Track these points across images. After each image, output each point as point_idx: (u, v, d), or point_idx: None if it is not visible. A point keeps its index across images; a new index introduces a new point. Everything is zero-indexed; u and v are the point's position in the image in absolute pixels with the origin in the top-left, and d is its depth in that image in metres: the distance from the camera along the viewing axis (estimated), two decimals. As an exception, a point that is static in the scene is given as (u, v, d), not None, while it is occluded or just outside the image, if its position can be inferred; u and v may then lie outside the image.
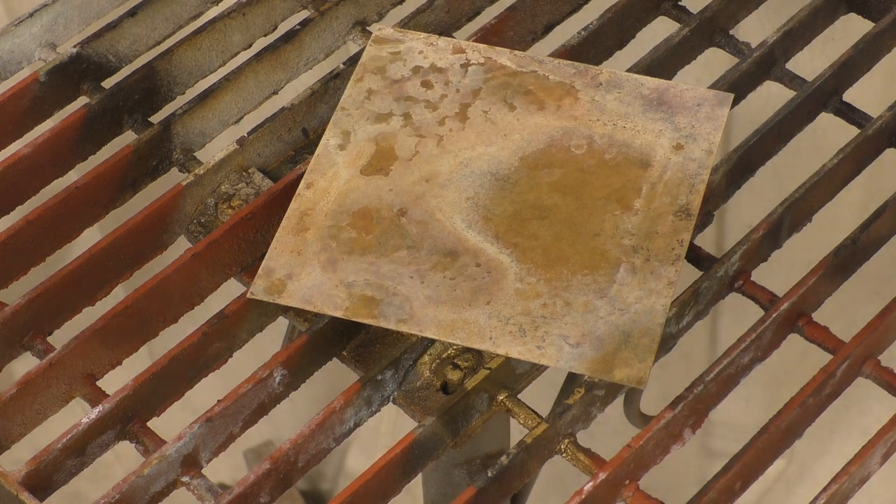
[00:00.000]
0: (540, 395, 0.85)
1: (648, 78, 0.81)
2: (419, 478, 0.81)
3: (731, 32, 0.88)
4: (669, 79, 0.85)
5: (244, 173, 0.82)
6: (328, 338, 0.74)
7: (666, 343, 0.74)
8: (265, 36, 0.88)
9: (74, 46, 0.84)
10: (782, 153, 0.83)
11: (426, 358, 0.74)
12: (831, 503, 0.71)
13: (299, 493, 1.63)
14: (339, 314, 0.72)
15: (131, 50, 0.86)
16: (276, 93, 0.86)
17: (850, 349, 0.74)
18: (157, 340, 0.78)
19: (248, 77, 0.84)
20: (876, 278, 1.02)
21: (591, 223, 0.75)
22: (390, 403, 0.74)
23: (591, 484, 0.68)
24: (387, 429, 1.63)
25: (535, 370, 0.74)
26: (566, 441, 0.72)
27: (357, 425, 0.73)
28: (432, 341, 0.74)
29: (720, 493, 0.71)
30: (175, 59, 0.84)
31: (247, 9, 0.86)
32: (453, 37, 0.87)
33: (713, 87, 0.82)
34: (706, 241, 0.78)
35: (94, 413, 0.71)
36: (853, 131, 0.83)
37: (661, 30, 0.89)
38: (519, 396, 0.74)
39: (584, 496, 0.68)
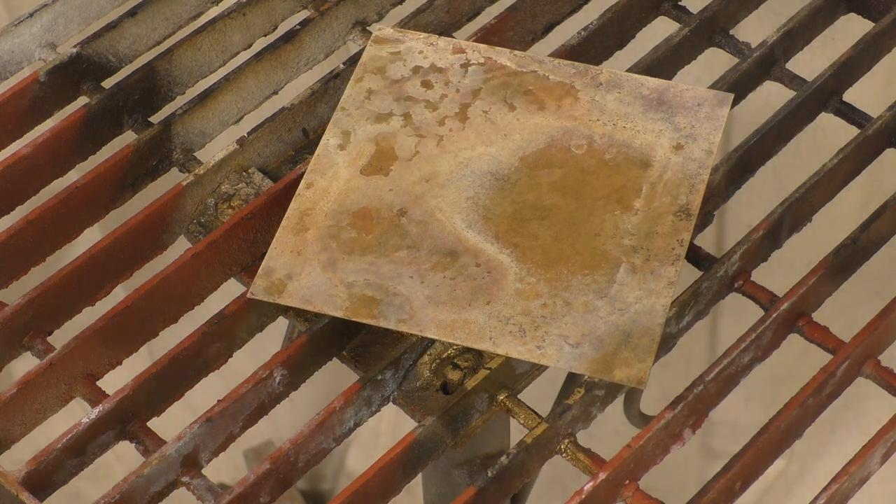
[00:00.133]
0: (540, 395, 0.85)
1: (648, 78, 0.81)
2: (419, 478, 0.81)
3: (731, 32, 0.88)
4: (669, 79, 0.85)
5: (244, 173, 0.82)
6: (328, 338, 0.74)
7: (666, 343, 0.74)
8: (265, 36, 0.88)
9: (74, 46, 0.84)
10: (782, 153, 0.83)
11: (426, 358, 0.74)
12: (831, 503, 0.71)
13: (299, 493, 1.63)
14: (339, 314, 0.72)
15: (131, 50, 0.86)
16: (276, 93, 0.86)
17: (850, 349, 0.74)
18: (157, 340, 0.78)
19: (248, 77, 0.84)
20: (876, 278, 1.02)
21: (591, 223, 0.75)
22: (390, 403, 0.74)
23: (591, 484, 0.68)
24: (387, 429, 1.63)
25: (535, 370, 0.74)
26: (566, 441, 0.72)
27: (357, 425, 0.73)
28: (432, 341, 0.74)
29: (720, 493, 0.71)
30: (175, 59, 0.84)
31: (247, 9, 0.86)
32: (453, 37, 0.87)
33: (713, 87, 0.82)
34: (706, 241, 0.78)
35: (94, 413, 0.71)
36: (853, 131, 0.83)
37: (661, 30, 0.89)
38: (519, 396, 0.74)
39: (584, 496, 0.68)
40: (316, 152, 0.79)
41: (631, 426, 0.82)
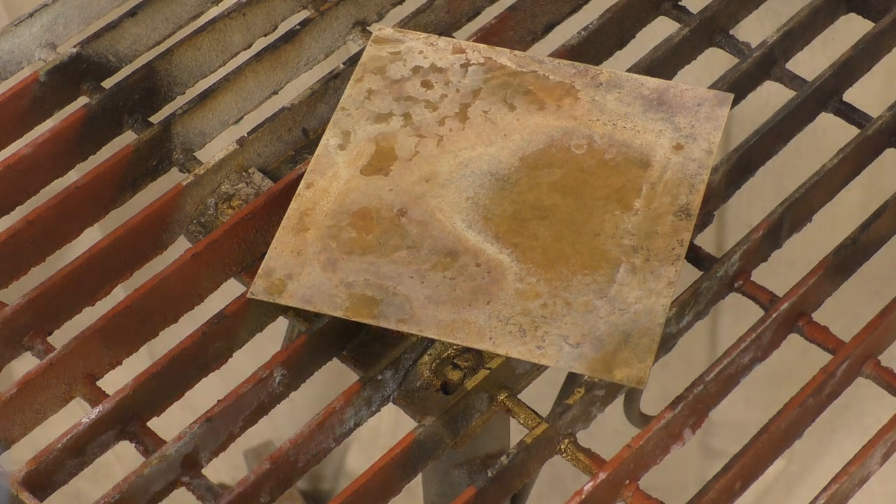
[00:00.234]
0: (540, 395, 0.85)
1: (648, 78, 0.81)
2: (419, 478, 0.81)
3: (731, 32, 0.88)
4: (669, 79, 0.85)
5: (244, 173, 0.82)
6: (328, 338, 0.74)
7: (666, 343, 0.74)
8: (265, 36, 0.88)
9: (74, 46, 0.84)
10: (782, 153, 0.83)
11: (426, 358, 0.74)
12: (831, 503, 0.71)
13: (299, 493, 1.63)
14: (339, 314, 0.72)
15: (131, 50, 0.86)
16: (276, 93, 0.86)
17: (850, 349, 0.74)
18: (157, 340, 0.78)
19: (248, 77, 0.84)
20: (876, 278, 1.02)
21: (591, 223, 0.75)
22: (390, 403, 0.74)
23: (591, 484, 0.68)
24: (387, 429, 1.63)
25: (535, 370, 0.74)
26: (566, 441, 0.72)
27: (357, 425, 0.73)
28: (432, 341, 0.74)
29: (720, 493, 0.71)
30: (175, 59, 0.84)
31: (247, 9, 0.86)
32: (453, 37, 0.87)
33: (713, 87, 0.82)
34: (706, 241, 0.78)
35: (94, 413, 0.71)
36: (853, 131, 0.83)
37: (661, 30, 0.89)
38: (519, 396, 0.74)
39: (584, 496, 0.68)
40: (316, 152, 0.79)
41: (631, 426, 0.82)
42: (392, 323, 0.71)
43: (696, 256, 0.77)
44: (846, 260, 0.77)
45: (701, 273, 0.76)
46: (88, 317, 0.76)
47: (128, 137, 0.83)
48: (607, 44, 0.87)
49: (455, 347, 0.74)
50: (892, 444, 0.73)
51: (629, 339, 0.71)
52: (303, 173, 0.78)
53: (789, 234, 0.80)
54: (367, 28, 0.88)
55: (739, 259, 0.76)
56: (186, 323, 0.78)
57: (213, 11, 0.88)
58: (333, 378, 0.95)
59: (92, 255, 0.76)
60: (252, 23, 0.87)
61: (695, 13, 0.87)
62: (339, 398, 0.71)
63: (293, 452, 0.70)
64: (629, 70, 0.82)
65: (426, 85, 0.81)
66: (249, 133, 0.81)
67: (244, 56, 0.86)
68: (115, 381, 0.76)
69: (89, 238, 0.80)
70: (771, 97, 0.93)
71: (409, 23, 0.86)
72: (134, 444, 0.72)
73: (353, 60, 0.84)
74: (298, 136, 0.84)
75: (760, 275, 0.78)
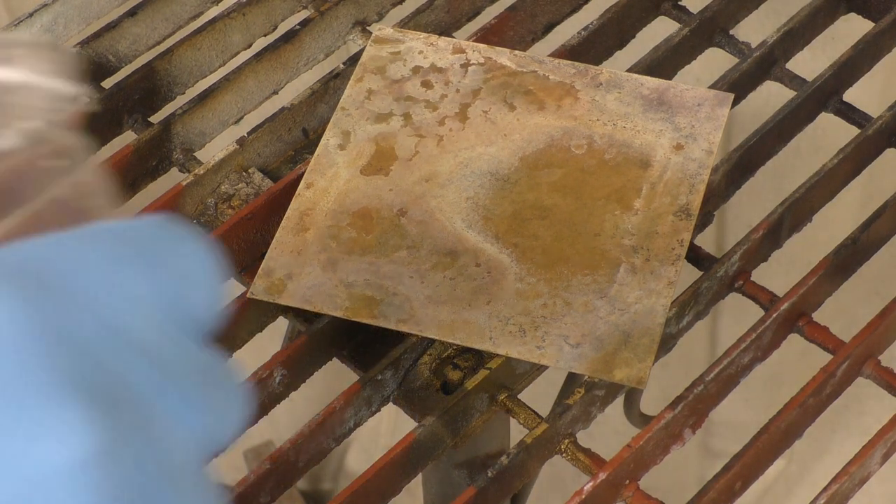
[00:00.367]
0: (540, 395, 0.85)
1: (648, 78, 0.81)
2: (419, 478, 0.81)
3: (731, 32, 0.88)
4: (669, 79, 0.85)
5: (244, 173, 0.82)
6: (328, 338, 0.74)
7: (666, 343, 0.74)
8: (265, 36, 0.88)
9: (74, 46, 0.84)
10: (782, 153, 0.83)
11: (426, 358, 0.74)
12: (831, 503, 0.71)
13: (299, 493, 1.63)
14: (339, 314, 0.72)
15: (131, 50, 0.86)
16: (276, 93, 0.86)
17: (850, 349, 0.74)
18: (158, 340, 0.77)
19: (248, 77, 0.84)
20: (876, 278, 1.02)
21: (591, 223, 0.75)
22: (390, 403, 0.74)
23: (591, 484, 0.68)
24: (387, 429, 1.63)
25: (535, 370, 0.74)
26: (566, 441, 0.72)
27: (357, 425, 0.73)
28: (432, 341, 0.74)
29: (720, 493, 0.71)
30: (175, 59, 0.84)
31: (247, 9, 0.86)
32: (453, 37, 0.87)
33: (713, 87, 0.82)
34: (706, 241, 0.78)
35: (94, 413, 0.71)
36: (853, 131, 0.83)
37: (661, 30, 0.89)
38: (519, 396, 0.74)
39: (584, 496, 0.68)
40: (316, 152, 0.79)
41: (631, 426, 0.82)
42: (392, 323, 0.71)
43: (696, 256, 0.77)
44: (846, 260, 0.77)
45: (701, 273, 0.76)
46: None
47: (128, 137, 0.83)
48: (607, 44, 0.87)
49: (455, 347, 0.74)
50: (892, 444, 0.73)
51: (629, 339, 0.71)
52: (303, 173, 0.78)
53: (789, 234, 0.80)
54: (367, 28, 0.88)
55: (739, 259, 0.76)
56: (186, 323, 0.77)
57: (213, 11, 0.88)
58: (333, 378, 0.95)
59: (92, 255, 0.76)
60: (252, 23, 0.87)
61: (695, 13, 0.87)
62: (339, 398, 0.71)
63: (293, 452, 0.70)
64: (629, 70, 0.82)
65: (426, 85, 0.81)
66: (249, 133, 0.81)
67: (244, 56, 0.86)
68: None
69: (89, 238, 0.80)
70: (771, 97, 0.93)
71: (409, 23, 0.86)
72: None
73: (353, 60, 0.84)
74: (298, 136, 0.84)
75: (760, 275, 0.78)
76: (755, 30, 0.94)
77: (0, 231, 0.36)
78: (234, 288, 0.78)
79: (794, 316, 0.76)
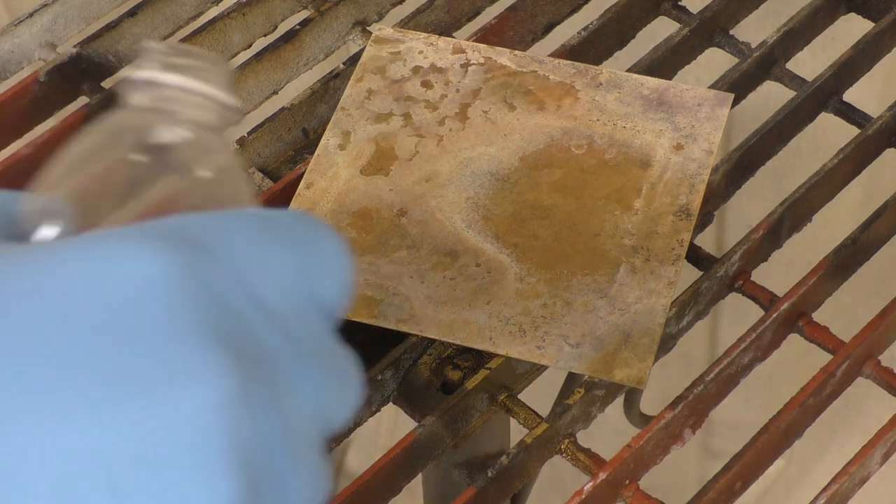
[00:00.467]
0: (540, 395, 0.85)
1: (648, 78, 0.81)
2: (419, 478, 0.81)
3: (731, 32, 0.88)
4: (669, 79, 0.85)
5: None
6: (328, 338, 0.74)
7: (666, 343, 0.74)
8: (265, 36, 0.88)
9: (74, 46, 0.84)
10: (782, 153, 0.83)
11: (426, 358, 0.74)
12: (831, 503, 0.71)
13: (299, 493, 1.63)
14: (339, 314, 0.72)
15: (131, 50, 0.86)
16: (276, 93, 0.86)
17: (850, 349, 0.74)
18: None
19: (248, 77, 0.84)
20: (876, 278, 1.02)
21: (591, 223, 0.75)
22: (390, 403, 0.74)
23: (591, 484, 0.68)
24: (387, 429, 1.63)
25: (535, 370, 0.74)
26: (566, 441, 0.72)
27: (357, 425, 0.73)
28: (432, 341, 0.74)
29: (720, 493, 0.71)
30: (175, 59, 0.84)
31: (247, 9, 0.86)
32: (453, 37, 0.87)
33: (713, 87, 0.82)
34: (706, 241, 0.78)
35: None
36: (853, 131, 0.83)
37: (661, 30, 0.89)
38: (519, 396, 0.74)
39: (584, 496, 0.68)
40: (316, 152, 0.79)
41: (631, 426, 0.82)
42: (392, 323, 0.71)
43: (696, 256, 0.77)
44: (846, 260, 0.77)
45: (701, 273, 0.76)
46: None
47: (128, 137, 0.83)
48: (607, 44, 0.87)
49: (455, 347, 0.74)
50: (892, 444, 0.73)
51: (629, 339, 0.71)
52: (303, 173, 0.78)
53: (789, 234, 0.80)
54: (367, 28, 0.88)
55: (739, 259, 0.76)
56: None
57: (213, 11, 0.88)
58: (333, 378, 0.95)
59: (92, 255, 0.76)
60: (252, 23, 0.87)
61: (695, 13, 0.87)
62: (339, 398, 0.71)
63: (293, 452, 0.70)
64: (629, 70, 0.82)
65: (426, 85, 0.81)
66: (249, 133, 0.81)
67: (244, 56, 0.86)
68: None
69: (89, 238, 0.80)
70: (771, 97, 0.93)
71: (409, 23, 0.86)
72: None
73: (353, 60, 0.84)
74: (298, 136, 0.84)
75: (760, 275, 0.78)
76: (755, 30, 0.94)
77: (160, 195, 0.41)
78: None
79: (794, 316, 0.76)
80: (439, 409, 0.71)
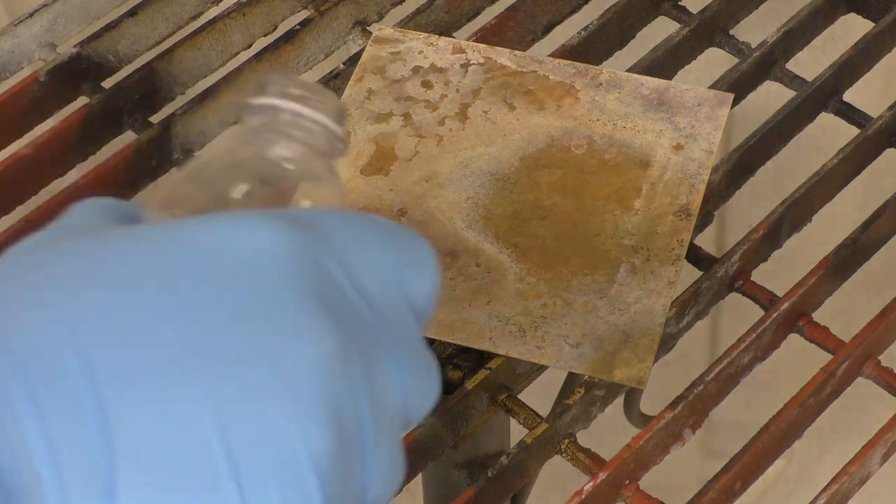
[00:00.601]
0: (540, 395, 0.85)
1: (648, 78, 0.81)
2: (419, 478, 0.81)
3: (731, 32, 0.88)
4: (669, 79, 0.85)
5: (244, 173, 0.82)
6: (328, 338, 0.74)
7: (666, 343, 0.74)
8: (265, 36, 0.88)
9: (74, 46, 0.84)
10: (782, 153, 0.83)
11: (426, 358, 0.74)
12: (831, 503, 0.71)
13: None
14: (339, 314, 0.72)
15: (131, 50, 0.86)
16: (276, 93, 0.86)
17: (850, 349, 0.74)
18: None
19: (248, 77, 0.84)
20: (876, 278, 1.02)
21: (591, 223, 0.75)
22: (390, 403, 0.74)
23: (591, 484, 0.68)
24: (387, 429, 1.62)
25: (535, 370, 0.74)
26: (566, 441, 0.72)
27: (357, 425, 0.73)
28: (432, 341, 0.74)
29: (720, 493, 0.71)
30: (175, 59, 0.84)
31: (247, 9, 0.86)
32: (453, 37, 0.87)
33: (713, 87, 0.82)
34: (706, 241, 0.78)
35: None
36: (853, 131, 0.83)
37: (661, 30, 0.89)
38: (519, 396, 0.74)
39: (584, 496, 0.68)
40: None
41: (631, 426, 0.82)
42: (392, 323, 0.71)
43: (696, 256, 0.77)
44: (846, 260, 0.77)
45: (701, 273, 0.76)
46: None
47: (128, 137, 0.83)
48: (607, 44, 0.87)
49: (455, 347, 0.74)
50: (892, 444, 0.73)
51: (629, 339, 0.71)
52: (303, 173, 0.78)
53: (789, 234, 0.80)
54: (367, 28, 0.88)
55: (739, 259, 0.76)
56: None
57: (213, 11, 0.88)
58: (333, 378, 0.95)
59: (92, 255, 0.76)
60: (252, 23, 0.87)
61: (695, 13, 0.87)
62: (339, 398, 0.71)
63: (293, 452, 0.70)
64: (629, 70, 0.82)
65: (426, 85, 0.81)
66: (249, 133, 0.81)
67: (244, 56, 0.86)
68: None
69: (89, 238, 0.80)
70: (771, 97, 0.93)
71: (409, 23, 0.86)
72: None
73: (353, 60, 0.84)
74: (298, 136, 0.84)
75: (760, 275, 0.78)
76: (755, 30, 0.94)
77: (273, 197, 0.48)
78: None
79: (794, 316, 0.76)
80: (439, 408, 0.71)
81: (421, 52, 0.83)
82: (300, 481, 0.39)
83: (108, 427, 0.38)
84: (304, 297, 0.41)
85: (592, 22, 0.86)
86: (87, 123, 0.82)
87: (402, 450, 0.45)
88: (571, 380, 0.77)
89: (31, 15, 0.85)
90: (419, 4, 0.87)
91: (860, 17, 0.89)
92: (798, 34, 0.86)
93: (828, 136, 0.95)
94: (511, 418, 0.74)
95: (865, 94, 0.93)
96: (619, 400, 0.76)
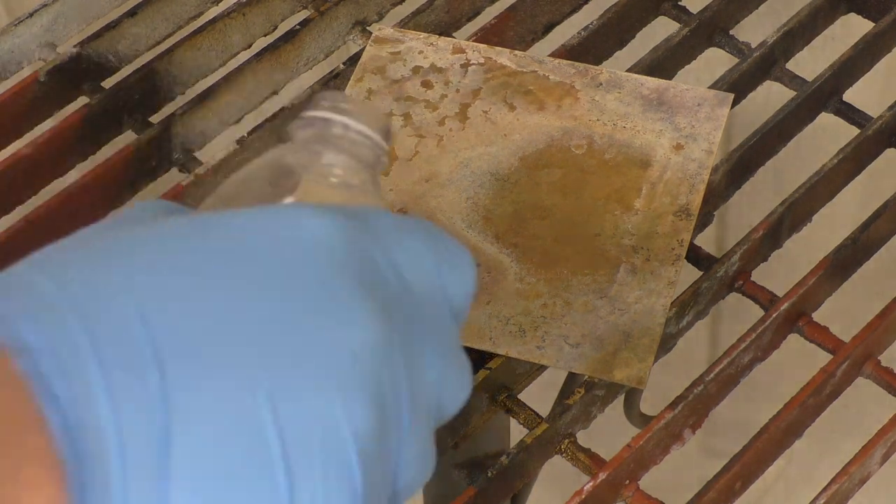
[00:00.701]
0: (540, 395, 0.85)
1: (648, 78, 0.81)
2: (419, 478, 0.81)
3: (731, 32, 0.88)
4: (669, 79, 0.85)
5: (244, 173, 0.81)
6: (328, 338, 0.74)
7: (666, 343, 0.74)
8: (265, 36, 0.88)
9: (74, 46, 0.84)
10: (782, 153, 0.83)
11: (426, 358, 0.74)
12: (831, 503, 0.71)
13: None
14: (339, 314, 0.72)
15: (131, 50, 0.86)
16: (276, 93, 0.86)
17: (850, 349, 0.74)
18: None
19: (248, 77, 0.84)
20: (876, 278, 1.02)
21: (591, 223, 0.75)
22: (390, 403, 0.74)
23: (591, 484, 0.68)
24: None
25: (535, 370, 0.74)
26: (566, 441, 0.72)
27: (357, 425, 0.73)
28: (432, 341, 0.74)
29: (720, 493, 0.71)
30: (175, 59, 0.84)
31: (247, 9, 0.86)
32: (453, 37, 0.87)
33: (713, 87, 0.82)
34: (706, 241, 0.78)
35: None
36: (853, 131, 0.83)
37: (661, 30, 0.89)
38: (519, 396, 0.74)
39: (584, 496, 0.68)
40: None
41: (631, 426, 0.82)
42: (392, 323, 0.71)
43: (696, 256, 0.77)
44: (846, 260, 0.77)
45: (701, 273, 0.76)
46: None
47: (128, 137, 0.83)
48: (607, 44, 0.87)
49: (455, 347, 0.74)
50: (892, 444, 0.73)
51: (629, 339, 0.71)
52: (303, 173, 0.78)
53: (789, 234, 0.80)
54: (367, 28, 0.88)
55: (739, 259, 0.76)
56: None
57: (213, 11, 0.88)
58: (333, 378, 0.95)
59: (92, 255, 0.76)
60: (252, 23, 0.87)
61: (695, 13, 0.87)
62: (339, 398, 0.71)
63: (293, 452, 0.70)
64: (629, 70, 0.82)
65: (426, 85, 0.81)
66: (249, 133, 0.81)
67: (244, 56, 0.86)
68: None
69: (89, 238, 0.80)
70: (771, 97, 0.93)
71: (409, 23, 0.86)
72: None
73: (353, 60, 0.84)
74: (298, 136, 0.83)
75: (760, 275, 0.78)
76: (755, 30, 0.94)
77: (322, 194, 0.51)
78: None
79: (794, 316, 0.76)
80: (439, 409, 0.71)
81: (421, 52, 0.83)
82: (342, 457, 0.41)
83: (165, 383, 0.40)
84: (354, 285, 0.43)
85: (592, 22, 0.86)
86: (87, 123, 0.82)
87: (433, 442, 0.46)
88: (571, 380, 0.77)
89: (31, 15, 0.85)
90: (419, 4, 0.87)
91: (860, 17, 0.89)
92: (798, 34, 0.86)
93: (828, 136, 0.95)
94: (511, 418, 0.74)
95: (865, 94, 0.93)
96: (619, 400, 0.76)
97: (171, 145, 0.82)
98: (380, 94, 0.81)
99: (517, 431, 0.77)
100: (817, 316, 0.77)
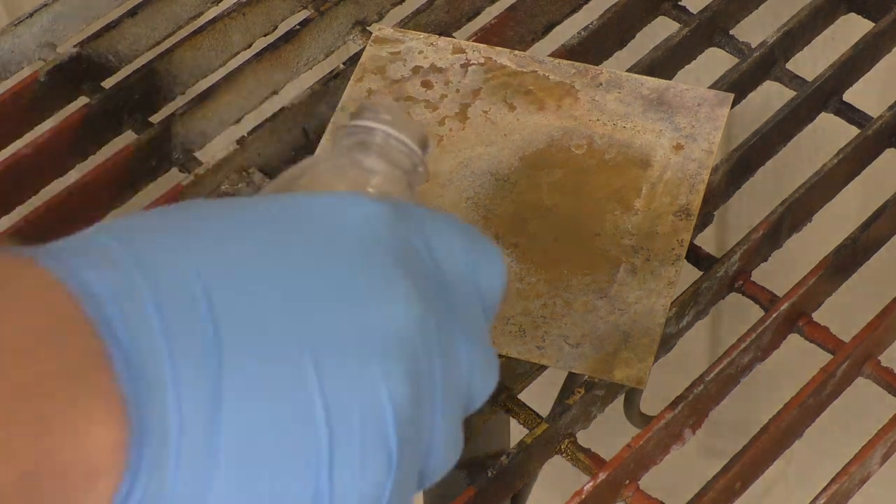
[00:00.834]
0: (540, 395, 0.85)
1: (648, 78, 0.81)
2: (419, 478, 0.81)
3: (731, 32, 0.88)
4: (669, 79, 0.85)
5: (244, 173, 0.82)
6: (328, 338, 0.74)
7: (666, 343, 0.74)
8: (265, 36, 0.88)
9: (74, 46, 0.84)
10: (782, 153, 0.83)
11: (426, 358, 0.74)
12: (831, 503, 0.71)
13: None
14: (339, 314, 0.72)
15: (131, 50, 0.86)
16: (276, 93, 0.86)
17: (850, 349, 0.74)
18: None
19: (248, 77, 0.84)
20: (876, 278, 1.02)
21: (590, 223, 0.75)
22: (390, 403, 0.74)
23: (591, 484, 0.68)
24: (387, 429, 1.62)
25: (535, 370, 0.74)
26: (566, 441, 0.72)
27: (357, 425, 0.73)
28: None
29: (720, 493, 0.71)
30: (175, 59, 0.84)
31: (247, 9, 0.86)
32: (453, 37, 0.87)
33: (713, 87, 0.82)
34: (706, 241, 0.78)
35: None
36: (853, 131, 0.83)
37: (661, 30, 0.89)
38: (519, 396, 0.74)
39: (584, 496, 0.68)
40: (316, 152, 0.79)
41: (631, 426, 0.82)
42: (392, 323, 0.71)
43: (696, 256, 0.77)
44: (846, 260, 0.77)
45: (701, 273, 0.76)
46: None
47: (128, 137, 0.83)
48: (607, 44, 0.87)
49: (455, 347, 0.74)
50: (892, 444, 0.73)
51: (629, 339, 0.71)
52: (303, 173, 0.78)
53: (789, 234, 0.80)
54: (367, 28, 0.88)
55: (739, 259, 0.76)
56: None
57: (213, 11, 0.88)
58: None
59: (92, 255, 0.76)
60: (252, 23, 0.87)
61: (695, 13, 0.87)
62: (339, 398, 0.71)
63: (293, 452, 0.70)
64: (629, 70, 0.82)
65: (426, 85, 0.81)
66: (249, 133, 0.81)
67: (244, 56, 0.86)
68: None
69: (89, 238, 0.80)
70: (771, 97, 0.93)
71: (409, 23, 0.86)
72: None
73: (353, 60, 0.84)
74: (298, 136, 0.84)
75: (760, 275, 0.78)
76: (755, 30, 0.94)
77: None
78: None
79: (794, 316, 0.76)
80: (439, 409, 0.71)
81: (421, 52, 0.83)
82: (380, 427, 0.44)
83: (218, 338, 0.42)
84: (398, 267, 0.46)
85: (592, 22, 0.86)
86: (87, 123, 0.82)
87: (462, 430, 0.49)
88: (571, 380, 0.77)
89: (31, 15, 0.85)
90: (419, 4, 0.87)
91: (860, 17, 0.89)
92: (798, 34, 0.86)
93: (828, 136, 0.95)
94: (511, 418, 0.74)
95: (865, 94, 0.93)
96: (619, 400, 0.76)
97: (171, 145, 0.82)
98: (380, 94, 0.81)
99: (517, 431, 0.77)
100: (817, 316, 0.77)
